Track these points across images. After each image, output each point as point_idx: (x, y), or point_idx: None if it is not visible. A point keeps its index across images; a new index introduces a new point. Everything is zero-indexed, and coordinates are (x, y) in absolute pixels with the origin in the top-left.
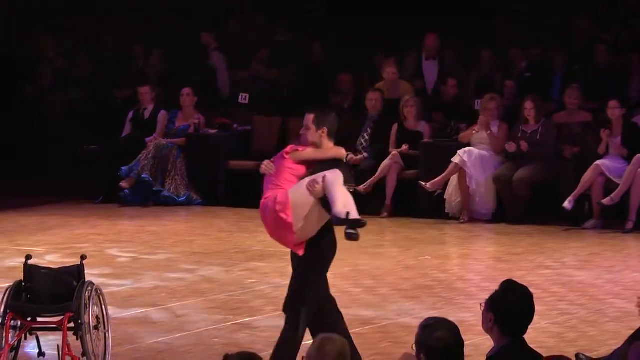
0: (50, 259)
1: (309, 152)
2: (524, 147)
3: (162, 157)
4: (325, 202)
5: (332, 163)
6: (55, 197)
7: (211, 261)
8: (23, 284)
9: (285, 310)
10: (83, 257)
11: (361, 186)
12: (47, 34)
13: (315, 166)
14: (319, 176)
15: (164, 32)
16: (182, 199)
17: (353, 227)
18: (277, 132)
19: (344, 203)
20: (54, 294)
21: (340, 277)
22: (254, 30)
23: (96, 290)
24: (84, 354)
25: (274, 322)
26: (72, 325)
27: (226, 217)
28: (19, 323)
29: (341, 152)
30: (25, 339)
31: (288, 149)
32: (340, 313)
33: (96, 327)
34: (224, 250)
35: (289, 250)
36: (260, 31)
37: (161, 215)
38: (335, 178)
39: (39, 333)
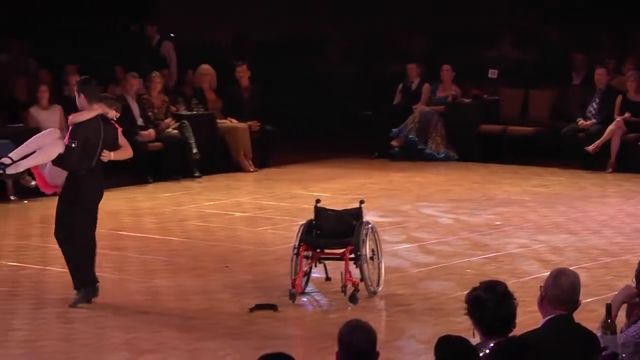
0: (335, 202)
1: (69, 119)
2: None
3: (426, 121)
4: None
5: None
6: (340, 153)
7: (464, 206)
8: (313, 222)
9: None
10: (362, 202)
11: (590, 146)
12: (333, 20)
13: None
14: None
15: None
16: (442, 155)
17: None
18: (520, 101)
19: (23, 148)
20: (338, 231)
21: (572, 221)
22: (497, 16)
23: (372, 228)
24: (362, 280)
25: (516, 257)
26: (352, 256)
27: (477, 171)
28: (310, 253)
29: (85, 115)
30: (315, 266)
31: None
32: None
33: (371, 258)
34: (475, 198)
35: (528, 198)
36: (503, 16)
37: (424, 169)
38: (42, 134)
39: (325, 262)
